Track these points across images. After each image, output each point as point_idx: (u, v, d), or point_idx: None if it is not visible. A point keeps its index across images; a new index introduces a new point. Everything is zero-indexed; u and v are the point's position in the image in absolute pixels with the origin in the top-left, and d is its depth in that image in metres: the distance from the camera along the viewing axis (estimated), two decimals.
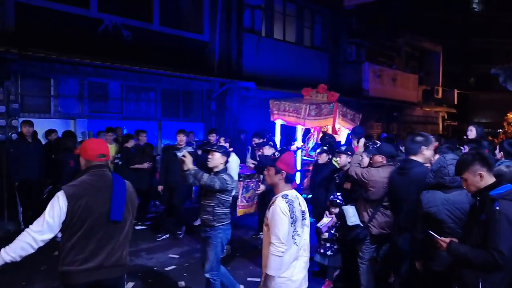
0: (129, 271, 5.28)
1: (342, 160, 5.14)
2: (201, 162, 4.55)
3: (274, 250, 2.71)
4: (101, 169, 2.83)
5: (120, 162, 7.44)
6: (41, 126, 7.98)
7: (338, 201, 4.89)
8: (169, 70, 9.31)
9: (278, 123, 9.05)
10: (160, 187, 7.12)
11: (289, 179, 2.95)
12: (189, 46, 10.49)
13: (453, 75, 25.53)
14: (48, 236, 2.60)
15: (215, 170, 4.13)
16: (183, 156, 3.96)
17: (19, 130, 7.20)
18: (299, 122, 8.36)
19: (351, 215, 4.33)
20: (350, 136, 6.65)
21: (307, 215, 2.96)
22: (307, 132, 9.01)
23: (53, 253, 6.01)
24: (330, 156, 5.88)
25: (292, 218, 2.77)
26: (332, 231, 4.88)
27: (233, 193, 4.81)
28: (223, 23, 11.02)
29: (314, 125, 8.40)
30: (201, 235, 4.27)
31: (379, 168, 4.34)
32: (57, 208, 2.59)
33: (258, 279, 3.32)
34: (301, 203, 2.92)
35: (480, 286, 2.60)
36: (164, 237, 6.89)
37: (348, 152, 5.14)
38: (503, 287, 2.61)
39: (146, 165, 7.54)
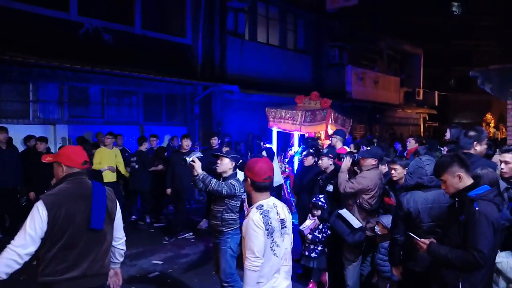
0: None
1: (323, 162, 5.17)
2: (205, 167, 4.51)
3: (249, 265, 2.58)
4: (80, 176, 2.75)
5: (137, 166, 7.69)
6: (20, 132, 7.82)
7: (320, 203, 4.90)
8: (152, 74, 9.23)
9: (275, 130, 9.24)
10: (168, 190, 7.31)
11: (259, 188, 2.72)
12: (172, 49, 10.43)
13: (433, 77, 26.04)
14: (32, 249, 2.52)
15: (224, 175, 4.09)
16: (192, 161, 3.92)
17: None
18: (296, 129, 8.61)
19: (352, 218, 4.31)
20: (331, 139, 6.70)
21: (288, 223, 2.79)
22: (302, 138, 9.15)
23: (32, 262, 5.90)
24: (316, 159, 5.91)
25: (267, 230, 2.61)
26: (316, 233, 4.88)
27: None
28: (206, 26, 11.01)
29: (309, 131, 8.62)
30: (212, 240, 4.27)
31: (371, 171, 4.39)
32: (38, 219, 2.50)
33: None
34: (279, 212, 2.74)
35: (460, 286, 2.62)
36: (186, 235, 7.22)
37: (330, 155, 5.16)
38: (482, 286, 2.65)
39: (160, 167, 7.83)
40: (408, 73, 22.81)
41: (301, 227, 5.01)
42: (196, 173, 3.94)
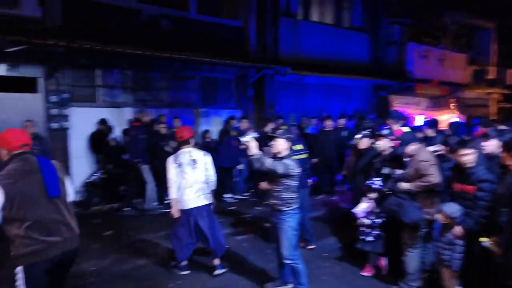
0: (172, 251, 5.54)
1: (382, 144, 5.02)
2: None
3: (169, 183, 4.73)
4: (25, 155, 2.97)
5: None
6: (89, 114, 8.42)
7: (375, 186, 4.81)
8: (207, 58, 9.40)
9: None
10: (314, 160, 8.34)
11: (181, 144, 4.78)
12: (226, 32, 10.52)
13: (507, 53, 23.87)
14: None
15: (279, 156, 4.15)
16: (247, 141, 4.03)
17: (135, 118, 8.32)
18: (419, 113, 9.81)
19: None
20: (388, 122, 6.48)
21: (199, 162, 4.71)
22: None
23: (104, 233, 6.44)
24: (372, 141, 5.76)
25: (175, 162, 4.69)
26: (372, 217, 4.81)
27: None
28: (259, 7, 10.91)
29: (432, 115, 9.55)
30: (271, 220, 4.36)
31: (422, 151, 4.25)
32: None
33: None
34: (192, 155, 4.72)
35: None
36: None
37: (390, 136, 5.01)
38: None
39: None
40: (478, 50, 21.11)
41: (354, 210, 4.96)
42: (251, 153, 4.02)
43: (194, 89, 10.29)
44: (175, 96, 9.98)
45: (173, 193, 4.75)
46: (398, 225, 4.36)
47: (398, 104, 10.08)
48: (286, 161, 4.04)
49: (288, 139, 4.18)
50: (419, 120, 9.94)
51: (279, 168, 3.96)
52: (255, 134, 4.16)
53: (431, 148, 4.96)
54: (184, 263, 4.97)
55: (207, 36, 9.96)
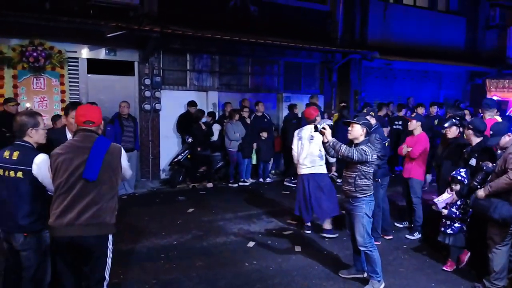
0: (249, 232, 5.84)
1: (468, 133, 4.73)
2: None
3: (292, 151, 5.80)
4: (87, 132, 2.96)
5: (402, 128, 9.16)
6: (179, 97, 8.98)
7: (459, 177, 4.58)
8: (292, 43, 9.40)
9: (494, 99, 10.11)
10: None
11: (309, 122, 5.54)
12: (312, 17, 10.46)
13: None
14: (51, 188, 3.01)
15: (355, 142, 4.12)
16: (323, 128, 4.07)
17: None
18: None
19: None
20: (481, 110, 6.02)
21: (316, 138, 5.36)
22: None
23: (188, 210, 6.91)
24: (461, 130, 5.46)
25: (298, 136, 5.70)
26: (453, 209, 4.61)
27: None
28: None
29: None
30: (345, 206, 4.34)
31: None
32: (46, 166, 3.01)
33: None
34: (312, 132, 5.22)
35: None
36: None
37: (470, 126, 4.71)
38: None
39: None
40: None
41: (435, 200, 4.80)
42: (326, 140, 4.05)
43: (277, 74, 10.43)
44: (258, 81, 10.21)
45: (295, 160, 5.78)
46: (483, 219, 4.10)
47: (494, 89, 9.18)
48: (363, 147, 3.97)
49: (364, 124, 4.08)
50: None
51: (355, 155, 3.92)
52: (330, 122, 4.19)
53: None
54: (308, 224, 5.87)
55: (294, 21, 9.98)
